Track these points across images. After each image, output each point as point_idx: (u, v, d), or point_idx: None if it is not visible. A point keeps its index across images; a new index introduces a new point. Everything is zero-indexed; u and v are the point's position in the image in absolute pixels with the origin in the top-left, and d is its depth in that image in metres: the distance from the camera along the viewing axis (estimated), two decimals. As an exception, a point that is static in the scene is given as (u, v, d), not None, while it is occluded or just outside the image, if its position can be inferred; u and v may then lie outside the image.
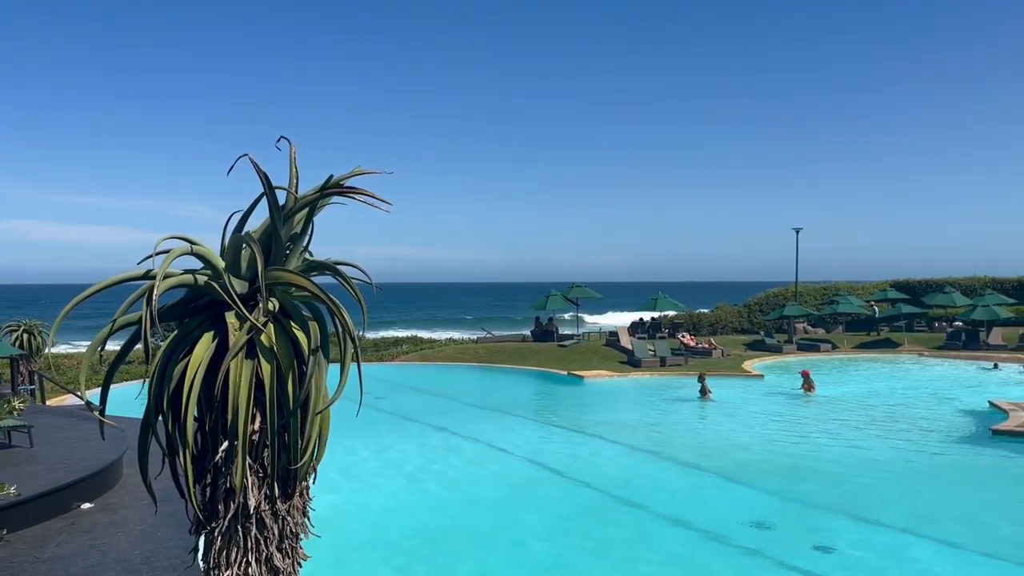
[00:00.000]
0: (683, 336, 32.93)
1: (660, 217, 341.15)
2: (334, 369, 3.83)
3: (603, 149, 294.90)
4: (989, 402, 19.77)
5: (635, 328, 35.79)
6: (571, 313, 37.38)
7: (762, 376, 26.25)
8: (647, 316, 37.44)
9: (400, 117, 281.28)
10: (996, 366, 27.91)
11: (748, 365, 28.41)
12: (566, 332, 36.01)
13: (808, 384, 22.74)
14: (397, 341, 36.92)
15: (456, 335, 44.04)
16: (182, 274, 3.79)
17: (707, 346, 31.26)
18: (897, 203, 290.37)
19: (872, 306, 38.54)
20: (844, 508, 11.51)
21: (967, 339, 32.84)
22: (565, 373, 27.06)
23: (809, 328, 38.41)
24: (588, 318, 64.67)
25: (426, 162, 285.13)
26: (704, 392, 21.84)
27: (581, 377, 25.76)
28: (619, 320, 53.50)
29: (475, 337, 38.01)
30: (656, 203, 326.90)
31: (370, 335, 39.80)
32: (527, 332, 36.50)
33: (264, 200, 3.77)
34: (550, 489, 12.92)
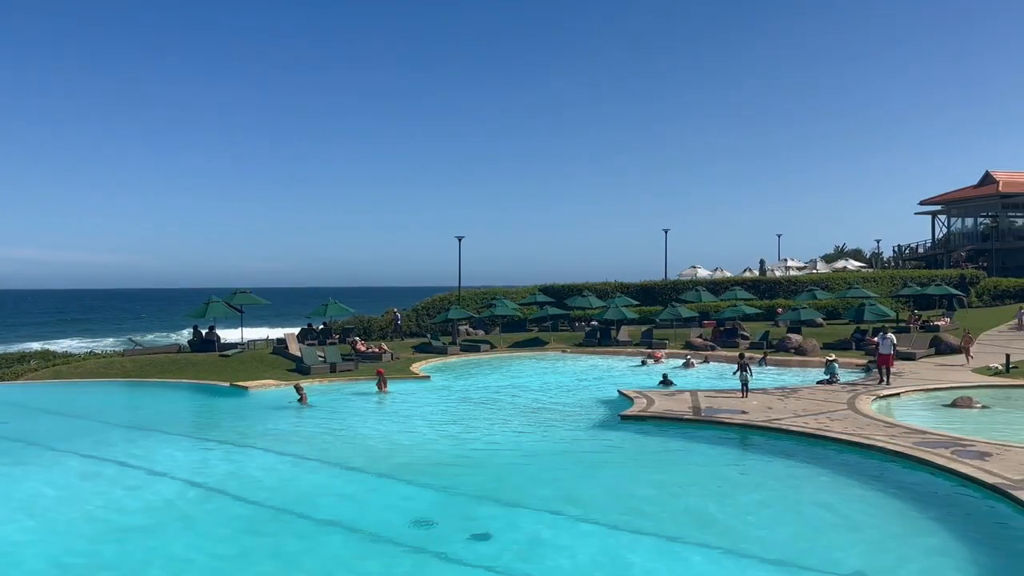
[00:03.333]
0: (355, 341, 33.06)
1: (334, 223, 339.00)
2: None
3: (272, 142, 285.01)
4: (619, 391, 22.52)
5: (304, 335, 35.12)
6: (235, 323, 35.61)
7: (429, 377, 27.27)
8: (317, 322, 36.96)
9: None
10: (646, 362, 31.78)
11: (416, 367, 29.30)
12: (229, 341, 34.20)
13: (382, 383, 23.99)
14: (23, 357, 32.21)
15: (98, 347, 39.54)
16: None
17: (378, 350, 31.71)
18: (544, 217, 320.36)
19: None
20: (498, 496, 12.41)
21: (601, 336, 37.23)
22: (227, 384, 25.68)
23: (471, 330, 40.78)
24: (251, 330, 62.02)
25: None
26: (302, 398, 22.01)
27: (245, 388, 24.65)
28: (287, 327, 52.07)
29: (121, 350, 34.48)
30: (327, 208, 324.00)
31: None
32: (184, 342, 34.00)
33: None
34: (210, 509, 12.18)
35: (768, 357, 30.34)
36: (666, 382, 25.04)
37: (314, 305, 38.20)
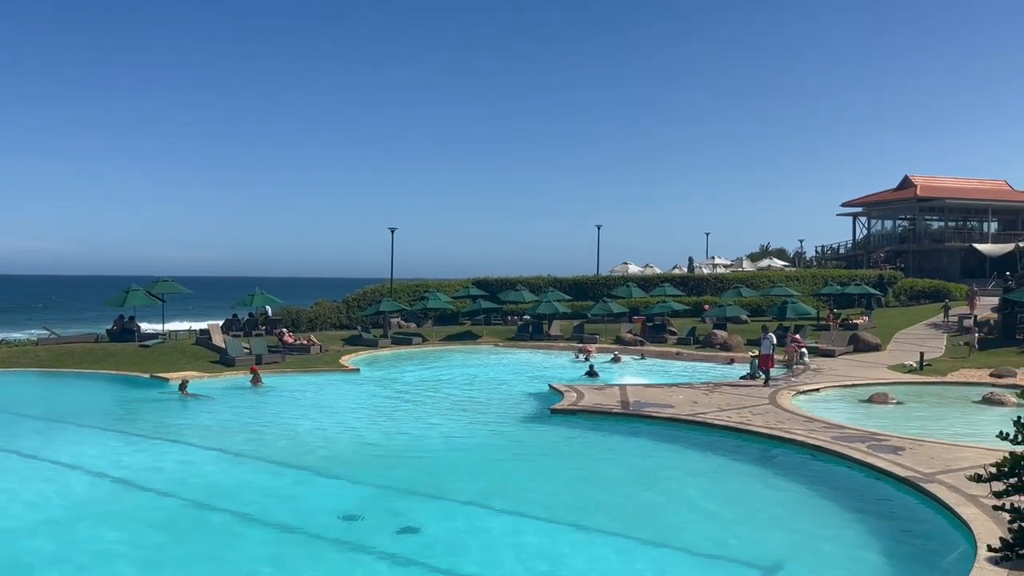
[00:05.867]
0: (282, 332, 32.45)
1: (261, 210, 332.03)
2: None
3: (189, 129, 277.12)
4: (549, 385, 22.72)
5: (229, 325, 34.31)
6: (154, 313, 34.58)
7: (358, 370, 27.03)
8: (243, 313, 36.15)
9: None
10: (577, 356, 32.00)
11: (345, 360, 28.99)
12: (150, 331, 33.16)
13: (256, 379, 23.84)
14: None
15: (10, 335, 37.86)
16: None
17: (306, 342, 31.24)
18: (480, 209, 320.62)
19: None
20: (427, 490, 12.38)
21: (534, 330, 37.44)
22: (147, 376, 24.93)
23: (403, 323, 40.48)
24: (173, 321, 60.29)
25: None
26: (183, 388, 21.79)
27: (166, 379, 23.96)
28: (212, 317, 50.78)
29: (35, 338, 33.09)
30: (255, 196, 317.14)
31: None
32: (102, 331, 32.84)
33: None
34: (128, 505, 11.81)
35: (646, 351, 31.83)
36: (592, 373, 25.43)
37: (240, 295, 37.35)
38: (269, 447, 15.55)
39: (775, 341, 22.86)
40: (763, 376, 22.48)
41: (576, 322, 39.13)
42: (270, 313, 36.71)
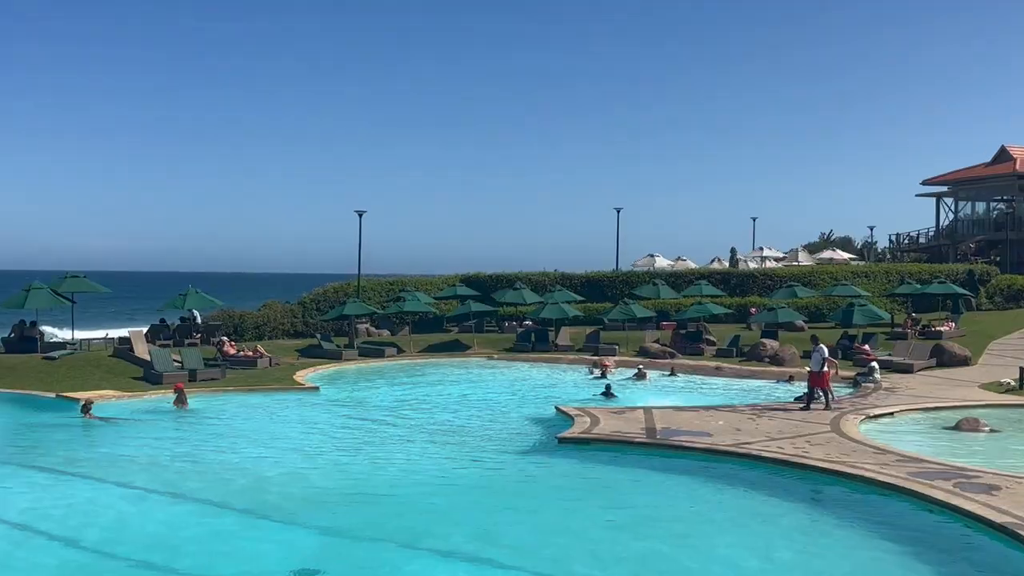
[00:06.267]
0: (222, 342, 32.40)
1: (201, 190, 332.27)
2: None
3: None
4: (556, 408, 22.64)
5: (156, 333, 34.27)
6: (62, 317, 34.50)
7: (317, 388, 27.03)
8: (173, 317, 36.13)
9: None
10: (592, 372, 31.87)
11: (301, 376, 28.99)
12: (57, 340, 33.12)
13: (181, 399, 23.78)
14: None
15: None
16: None
17: (252, 354, 31.17)
18: (470, 193, 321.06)
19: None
20: (400, 539, 12.31)
21: (537, 340, 37.41)
22: (53, 396, 24.87)
23: (373, 329, 40.48)
24: (85, 328, 60.26)
25: None
26: (85, 410, 21.85)
27: (76, 400, 23.88)
28: (138, 322, 50.67)
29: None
30: (190, 178, 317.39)
31: None
32: (-3, 341, 32.79)
33: None
34: (26, 555, 11.74)
35: (677, 366, 31.85)
36: (609, 393, 25.42)
37: (171, 295, 37.29)
38: (203, 484, 15.47)
39: (826, 354, 22.62)
40: (821, 397, 22.39)
41: (590, 329, 39.13)
42: (199, 318, 36.70)
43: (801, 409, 21.98)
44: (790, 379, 29.20)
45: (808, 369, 23.21)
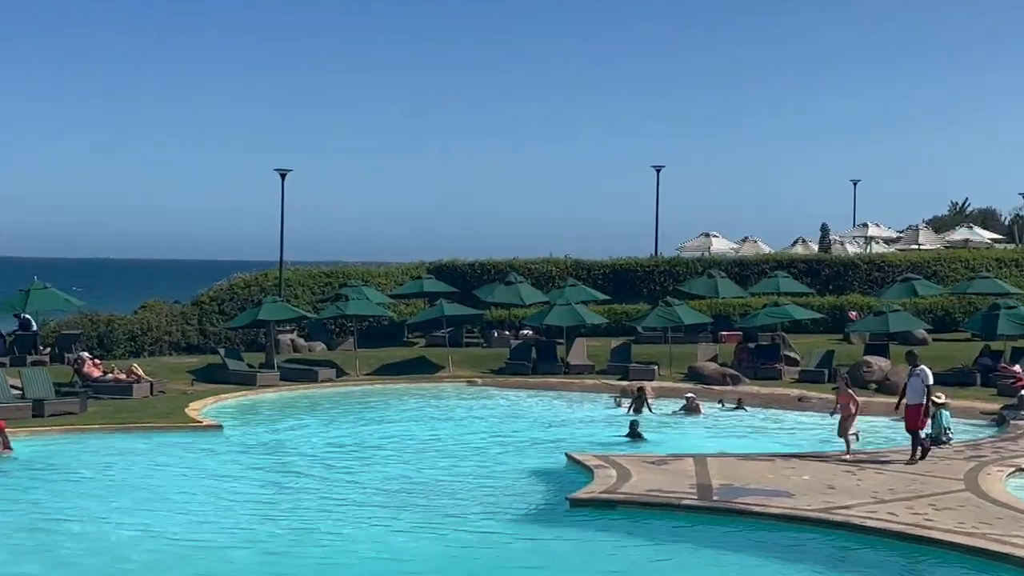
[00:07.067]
0: (82, 360, 32.26)
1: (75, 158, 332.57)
2: None
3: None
4: (567, 456, 22.58)
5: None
6: None
7: (220, 427, 26.98)
8: (9, 325, 36.02)
9: None
10: (619, 403, 31.66)
11: (196, 409, 28.93)
12: None
13: (3, 442, 23.53)
14: None
15: None
16: None
17: (125, 377, 31.03)
18: (436, 151, 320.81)
19: None
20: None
21: (540, 357, 37.31)
22: None
23: (301, 342, 40.32)
24: None
25: None
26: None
27: None
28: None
29: None
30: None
31: None
32: None
33: None
34: None
35: (744, 395, 31.92)
36: (634, 435, 25.27)
37: (7, 290, 37.15)
38: (53, 566, 15.39)
39: (930, 379, 22.38)
40: (927, 441, 22.23)
41: (616, 341, 39.09)
42: (34, 327, 36.53)
43: (907, 463, 21.79)
44: (800, 399, 29.36)
45: (904, 402, 22.83)
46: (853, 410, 23.01)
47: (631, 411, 29.79)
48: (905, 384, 22.97)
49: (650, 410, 29.91)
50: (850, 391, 23.88)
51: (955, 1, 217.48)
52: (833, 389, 27.04)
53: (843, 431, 22.75)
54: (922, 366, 22.69)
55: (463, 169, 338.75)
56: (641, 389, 31.40)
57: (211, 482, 21.37)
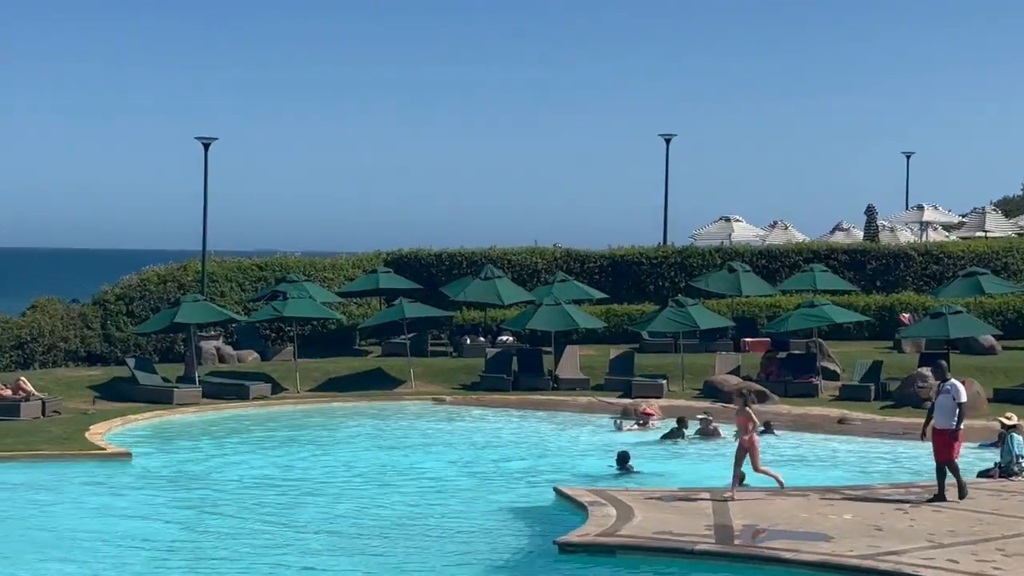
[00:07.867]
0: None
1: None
2: None
3: None
4: (556, 490, 22.65)
5: None
6: None
7: (128, 456, 27.01)
8: None
9: None
10: (621, 426, 31.91)
11: (98, 431, 29.01)
12: None
13: None
14: None
15: None
16: None
17: (11, 393, 31.02)
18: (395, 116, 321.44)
19: None
20: None
21: (522, 368, 37.34)
22: None
23: (229, 351, 40.28)
24: None
25: None
26: None
27: None
28: None
29: None
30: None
31: None
32: None
33: None
34: None
35: (774, 416, 31.90)
36: (622, 466, 25.54)
37: None
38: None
39: (963, 397, 22.02)
40: (939, 480, 22.12)
41: (617, 350, 39.19)
42: None
43: (928, 501, 21.61)
44: (841, 421, 29.67)
45: (932, 426, 22.44)
46: (747, 437, 22.65)
47: (642, 426, 29.93)
48: (932, 404, 22.56)
49: (646, 424, 30.02)
50: (748, 410, 23.67)
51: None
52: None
53: (738, 461, 22.25)
54: (953, 380, 22.48)
55: (432, 140, 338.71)
56: (682, 420, 31.13)
57: (115, 524, 21.30)
